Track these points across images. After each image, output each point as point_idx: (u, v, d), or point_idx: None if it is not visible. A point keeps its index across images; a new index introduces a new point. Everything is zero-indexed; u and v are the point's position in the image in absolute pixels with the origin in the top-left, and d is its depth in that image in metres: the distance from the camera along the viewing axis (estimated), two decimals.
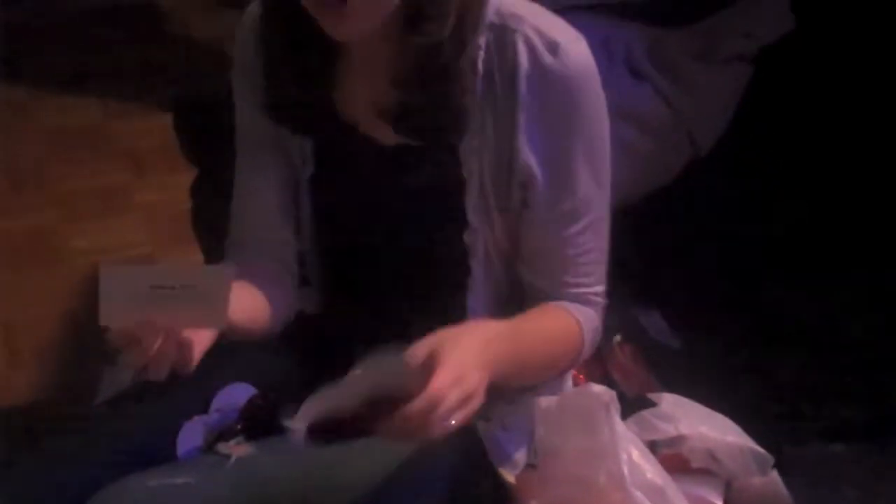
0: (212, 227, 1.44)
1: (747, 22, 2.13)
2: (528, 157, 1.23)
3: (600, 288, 1.31)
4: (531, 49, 1.20)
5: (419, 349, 1.08)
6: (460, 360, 1.06)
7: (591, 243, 1.28)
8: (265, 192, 1.36)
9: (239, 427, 1.32)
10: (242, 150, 1.39)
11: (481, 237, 1.27)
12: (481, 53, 1.20)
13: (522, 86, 1.20)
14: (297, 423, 1.07)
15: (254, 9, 1.33)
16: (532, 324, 1.26)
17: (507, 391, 1.26)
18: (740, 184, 2.03)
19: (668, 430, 1.34)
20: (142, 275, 1.08)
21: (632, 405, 1.38)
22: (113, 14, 3.99)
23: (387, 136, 1.26)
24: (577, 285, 1.28)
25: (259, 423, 1.31)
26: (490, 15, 1.21)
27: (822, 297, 1.90)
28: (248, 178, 1.38)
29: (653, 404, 1.39)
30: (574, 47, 1.21)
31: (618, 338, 1.58)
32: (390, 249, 1.34)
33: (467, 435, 1.27)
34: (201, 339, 1.13)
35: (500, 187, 1.25)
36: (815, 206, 2.02)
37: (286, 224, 1.38)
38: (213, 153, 1.64)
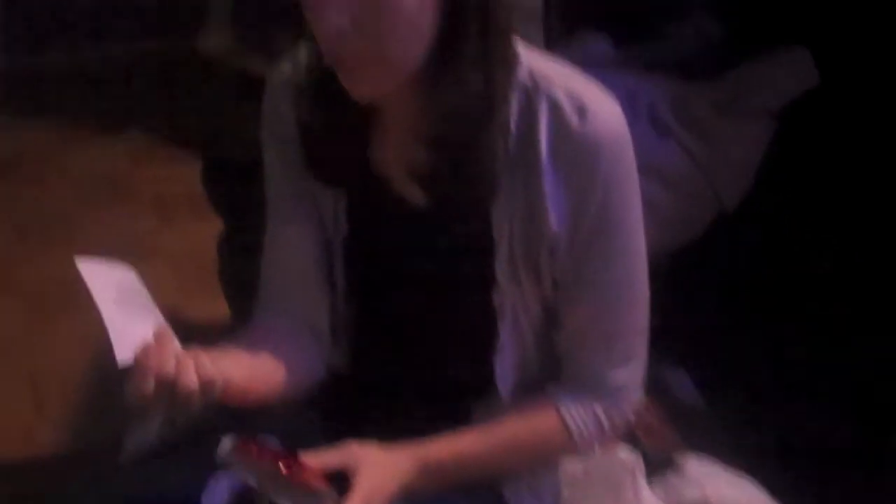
0: (239, 284, 1.45)
1: (771, 77, 2.14)
2: (554, 222, 1.22)
3: (630, 374, 1.29)
4: (558, 112, 1.19)
5: (332, 458, 1.16)
6: (373, 491, 1.15)
7: (624, 321, 1.27)
8: (295, 251, 1.37)
9: None
10: (273, 207, 1.39)
11: (510, 300, 1.27)
12: (513, 115, 1.20)
13: (545, 148, 1.19)
14: None
15: (284, 64, 1.34)
16: (490, 437, 1.27)
17: None
18: (766, 238, 2.02)
19: (693, 494, 1.33)
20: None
21: (656, 466, 1.37)
22: (142, 61, 4.05)
23: (419, 195, 1.26)
24: (607, 366, 1.27)
25: None
26: (522, 76, 1.20)
27: (849, 353, 1.89)
28: (277, 236, 1.39)
29: (678, 466, 1.39)
30: (604, 112, 1.20)
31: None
32: (419, 309, 1.33)
33: (493, 497, 1.29)
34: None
35: (529, 250, 1.24)
36: (841, 261, 2.00)
37: (315, 284, 1.37)
38: (242, 209, 1.65)
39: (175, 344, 1.13)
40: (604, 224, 1.22)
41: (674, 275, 1.84)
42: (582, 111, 1.18)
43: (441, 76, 1.16)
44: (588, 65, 2.21)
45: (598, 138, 1.19)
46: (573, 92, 1.20)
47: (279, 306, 1.38)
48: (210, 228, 2.75)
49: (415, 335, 1.36)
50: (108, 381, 2.37)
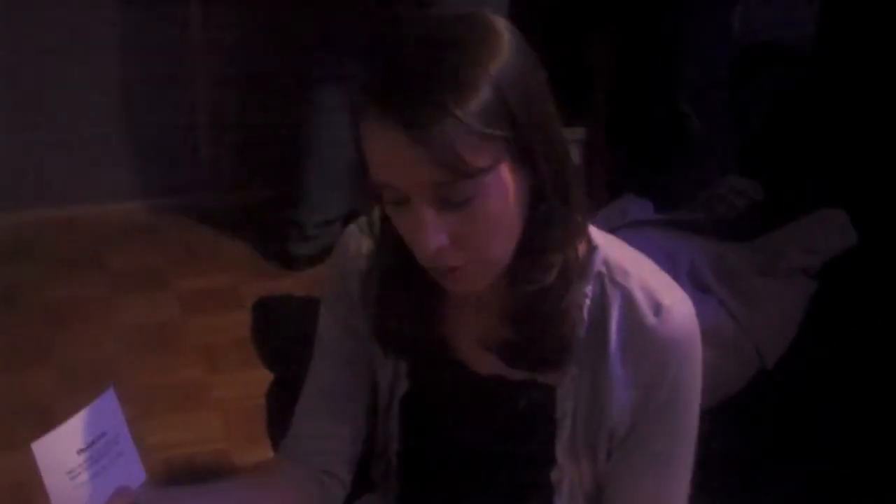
0: (285, 433, 1.48)
1: (809, 237, 2.18)
2: (617, 411, 1.23)
3: None
4: (632, 306, 1.20)
5: None
6: None
7: None
8: (328, 404, 1.40)
9: None
10: (318, 356, 1.42)
11: (567, 477, 1.28)
12: (587, 302, 1.22)
13: (614, 339, 1.21)
14: None
15: (354, 228, 1.37)
16: None
17: None
18: (806, 395, 2.03)
19: None
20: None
21: None
22: (190, 210, 4.17)
23: (484, 365, 1.29)
24: None
25: None
26: (598, 264, 1.23)
27: None
28: (315, 387, 1.42)
29: None
30: (678, 311, 1.21)
31: None
32: (474, 478, 1.35)
33: None
34: None
35: (589, 432, 1.25)
36: (883, 425, 2.00)
37: (344, 438, 1.40)
38: (291, 361, 1.68)
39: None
40: (663, 419, 1.24)
41: (715, 429, 1.85)
42: (657, 308, 1.20)
43: (527, 260, 1.18)
44: (630, 226, 2.28)
45: (671, 337, 1.20)
46: (649, 287, 1.22)
47: (298, 452, 1.41)
48: (258, 377, 2.80)
49: (467, 501, 1.37)
50: None
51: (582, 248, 1.24)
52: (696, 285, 2.09)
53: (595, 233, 1.26)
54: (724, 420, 1.94)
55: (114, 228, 4.06)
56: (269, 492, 1.36)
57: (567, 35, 3.13)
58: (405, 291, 1.27)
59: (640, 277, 1.22)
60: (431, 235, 1.11)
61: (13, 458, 2.68)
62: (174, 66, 4.08)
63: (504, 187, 1.11)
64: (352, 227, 1.38)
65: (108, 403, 1.22)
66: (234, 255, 3.91)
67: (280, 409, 2.03)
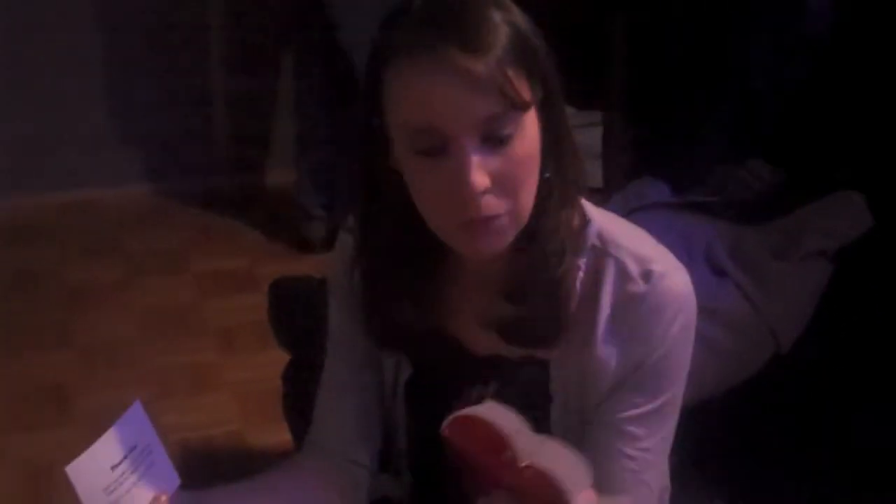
0: (303, 414, 1.49)
1: (826, 220, 2.17)
2: (607, 383, 1.24)
3: None
4: (625, 276, 1.21)
5: None
6: None
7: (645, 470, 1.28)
8: (348, 394, 1.40)
9: None
10: (332, 351, 1.42)
11: None
12: (580, 275, 1.23)
13: (606, 311, 1.22)
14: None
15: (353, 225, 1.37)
16: None
17: None
18: (822, 381, 2.03)
19: None
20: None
21: None
22: (206, 193, 4.19)
23: (481, 345, 1.30)
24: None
25: None
26: (591, 237, 1.24)
27: None
28: (332, 377, 1.43)
29: None
30: (669, 277, 1.22)
31: None
32: None
33: None
34: None
35: (582, 405, 1.27)
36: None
37: (364, 426, 1.41)
38: (307, 342, 1.69)
39: None
40: (648, 382, 1.24)
41: (729, 411, 1.86)
42: (647, 276, 1.21)
43: (538, 225, 1.19)
44: (646, 208, 2.28)
45: (660, 302, 1.21)
46: (641, 257, 1.23)
47: (324, 444, 1.42)
48: (274, 359, 2.81)
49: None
50: None
51: (576, 222, 1.25)
52: (712, 268, 2.09)
53: (589, 207, 1.27)
54: (739, 403, 1.95)
55: (131, 212, 4.09)
56: (302, 486, 1.37)
57: (586, 15, 3.12)
58: (401, 276, 1.27)
59: (632, 248, 1.23)
60: (477, 176, 1.10)
61: (33, 437, 2.72)
62: (189, 48, 4.09)
63: (535, 130, 1.14)
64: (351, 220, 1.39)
65: (135, 416, 1.23)
66: (249, 238, 3.93)
67: (296, 391, 2.04)
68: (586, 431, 1.28)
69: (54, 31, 3.89)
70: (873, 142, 2.29)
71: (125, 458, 1.20)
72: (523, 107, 1.11)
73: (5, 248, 3.75)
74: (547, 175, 1.18)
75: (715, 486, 1.71)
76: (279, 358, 2.26)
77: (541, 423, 1.26)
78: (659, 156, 2.61)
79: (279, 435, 2.37)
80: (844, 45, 2.56)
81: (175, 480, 1.26)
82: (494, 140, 1.11)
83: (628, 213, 2.10)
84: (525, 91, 1.11)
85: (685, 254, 1.99)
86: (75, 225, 3.96)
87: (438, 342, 1.33)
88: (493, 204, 1.13)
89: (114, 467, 1.19)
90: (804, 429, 1.96)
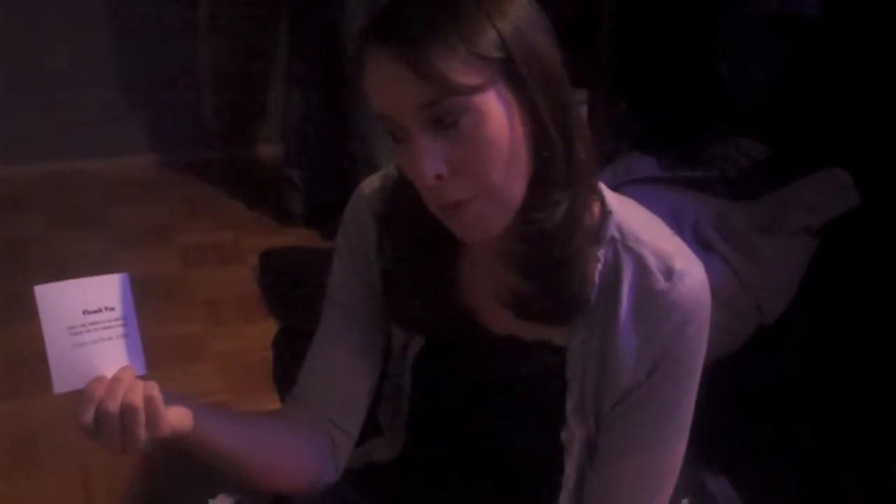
0: (291, 382, 1.48)
1: (812, 197, 2.19)
2: (625, 374, 1.23)
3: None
4: (645, 271, 1.20)
5: None
6: None
7: (662, 470, 1.28)
8: (339, 356, 1.39)
9: None
10: (330, 312, 1.41)
11: (577, 437, 1.29)
12: (599, 266, 1.22)
13: (626, 304, 1.21)
14: None
15: (375, 179, 1.37)
16: None
17: None
18: (805, 349, 2.04)
19: None
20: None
21: None
22: (191, 166, 4.19)
23: (499, 324, 1.29)
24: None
25: None
26: (611, 229, 1.23)
27: (889, 471, 1.89)
28: (327, 339, 1.41)
29: None
30: (690, 275, 1.20)
31: (685, 501, 1.59)
32: (484, 435, 1.35)
33: None
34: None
35: (598, 396, 1.26)
36: (881, 378, 2.02)
37: (353, 391, 1.40)
38: (297, 308, 1.70)
39: (132, 380, 1.15)
40: (666, 381, 1.24)
41: (714, 384, 1.86)
42: (668, 273, 1.20)
43: (534, 199, 1.18)
44: (634, 182, 2.29)
45: (681, 301, 1.20)
46: (661, 252, 1.21)
47: (306, 401, 1.40)
48: (258, 331, 2.81)
49: (475, 459, 1.38)
50: (157, 473, 2.43)
51: (596, 212, 1.24)
52: (698, 242, 2.10)
53: (610, 197, 1.26)
54: (721, 376, 1.96)
55: (116, 184, 4.08)
56: (276, 436, 1.35)
57: None
58: (420, 254, 1.28)
59: (653, 242, 1.22)
60: (427, 160, 1.11)
61: (17, 405, 2.72)
62: (175, 21, 4.07)
63: (497, 111, 1.11)
64: (367, 180, 1.38)
65: (121, 283, 1.18)
66: (234, 211, 3.94)
67: (286, 358, 2.05)
68: (600, 434, 1.28)
69: (43, 5, 3.87)
70: (860, 119, 2.30)
71: (100, 310, 1.15)
72: (464, 91, 1.09)
73: None
74: (545, 154, 1.17)
75: (701, 458, 1.73)
76: (264, 329, 2.26)
77: (555, 409, 1.28)
78: (647, 132, 2.62)
79: (264, 405, 2.38)
80: (833, 23, 2.58)
81: (142, 368, 1.19)
82: (442, 125, 1.11)
83: (616, 188, 2.11)
84: (472, 76, 1.09)
85: (673, 228, 2.00)
86: (62, 196, 3.96)
87: (455, 318, 1.32)
88: (454, 189, 1.13)
89: (86, 313, 1.14)
90: (787, 401, 1.97)
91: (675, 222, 2.05)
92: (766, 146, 2.44)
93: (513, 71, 1.11)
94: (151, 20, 4.04)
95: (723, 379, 1.94)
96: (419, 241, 1.28)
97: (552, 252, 1.20)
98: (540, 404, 1.30)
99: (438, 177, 1.12)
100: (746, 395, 1.95)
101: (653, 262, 1.20)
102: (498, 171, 1.13)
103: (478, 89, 1.09)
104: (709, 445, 1.80)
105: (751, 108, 2.70)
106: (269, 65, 4.16)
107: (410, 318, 1.33)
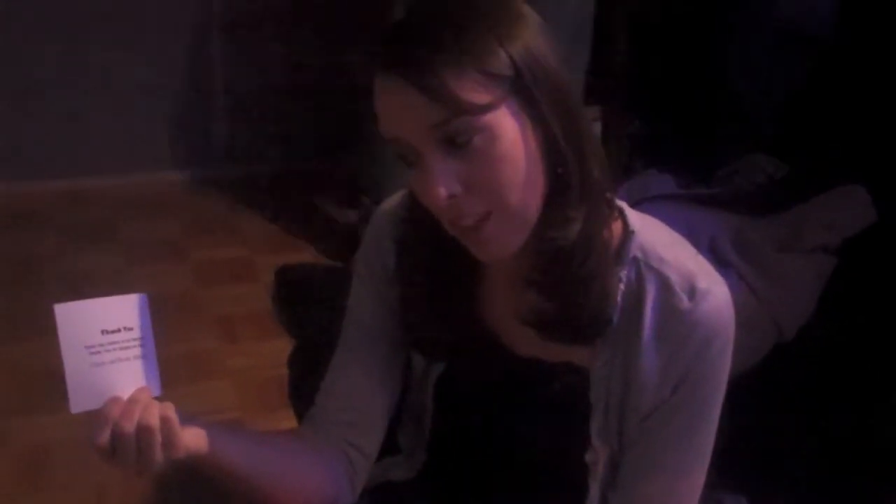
0: (310, 399, 1.47)
1: (830, 214, 2.18)
2: (648, 395, 1.23)
3: None
4: (669, 291, 1.19)
5: None
6: None
7: (684, 492, 1.27)
8: (358, 377, 1.38)
9: None
10: (349, 332, 1.40)
11: (602, 459, 1.28)
12: (622, 287, 1.21)
13: (648, 324, 1.20)
14: None
15: (390, 203, 1.37)
16: None
17: None
18: (824, 366, 2.03)
19: None
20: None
21: None
22: (205, 183, 4.19)
23: (522, 346, 1.29)
24: None
25: None
26: (634, 249, 1.22)
27: None
28: (346, 359, 1.40)
29: None
30: (713, 295, 1.20)
31: None
32: (507, 457, 1.35)
33: None
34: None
35: (621, 415, 1.25)
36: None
37: (371, 412, 1.38)
38: (312, 325, 1.69)
39: (149, 401, 1.14)
40: (688, 401, 1.23)
41: (731, 401, 1.85)
42: (692, 292, 1.19)
43: (548, 216, 1.17)
44: (651, 200, 2.28)
45: (704, 321, 1.19)
46: (685, 272, 1.21)
47: (323, 421, 1.39)
48: (273, 348, 2.80)
49: (497, 481, 1.37)
50: (173, 492, 2.42)
51: (618, 231, 1.23)
52: (715, 259, 2.09)
53: (633, 216, 1.25)
54: (740, 393, 1.95)
55: (130, 200, 4.08)
56: (293, 457, 1.34)
57: None
58: (439, 276, 1.27)
59: (676, 261, 1.22)
60: (441, 180, 1.11)
61: (31, 421, 2.72)
62: (189, 39, 4.08)
63: (509, 129, 1.11)
64: (387, 200, 1.38)
65: (140, 303, 1.18)
66: (248, 228, 3.93)
67: (301, 376, 2.04)
68: (623, 454, 1.27)
69: (54, 18, 3.89)
70: (877, 136, 2.29)
71: (119, 330, 1.15)
72: (475, 111, 1.09)
73: (5, 234, 3.74)
74: (559, 170, 1.16)
75: (719, 476, 1.72)
76: (279, 346, 2.25)
77: (579, 431, 1.27)
78: (662, 150, 2.61)
79: (279, 422, 2.37)
80: (848, 40, 2.57)
81: (158, 389, 1.19)
82: (455, 145, 1.10)
83: (633, 206, 2.11)
84: (482, 95, 1.08)
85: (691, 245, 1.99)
86: (75, 212, 3.96)
87: (477, 340, 1.31)
88: (468, 208, 1.13)
89: (105, 332, 1.15)
90: (806, 417, 1.96)
91: (692, 239, 1.99)
92: (782, 163, 2.43)
93: (522, 88, 1.11)
94: (167, 38, 4.05)
95: (741, 396, 1.94)
96: (438, 262, 1.27)
97: (570, 269, 1.19)
98: (564, 427, 1.29)
99: (452, 196, 1.12)
100: (764, 413, 1.94)
101: (676, 281, 1.20)
102: (512, 188, 1.13)
103: (489, 108, 1.09)
104: (727, 463, 1.79)
105: (767, 124, 2.69)
106: (283, 81, 4.16)
107: (430, 344, 1.32)
